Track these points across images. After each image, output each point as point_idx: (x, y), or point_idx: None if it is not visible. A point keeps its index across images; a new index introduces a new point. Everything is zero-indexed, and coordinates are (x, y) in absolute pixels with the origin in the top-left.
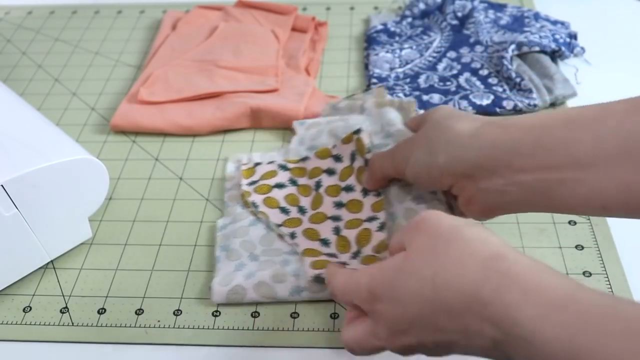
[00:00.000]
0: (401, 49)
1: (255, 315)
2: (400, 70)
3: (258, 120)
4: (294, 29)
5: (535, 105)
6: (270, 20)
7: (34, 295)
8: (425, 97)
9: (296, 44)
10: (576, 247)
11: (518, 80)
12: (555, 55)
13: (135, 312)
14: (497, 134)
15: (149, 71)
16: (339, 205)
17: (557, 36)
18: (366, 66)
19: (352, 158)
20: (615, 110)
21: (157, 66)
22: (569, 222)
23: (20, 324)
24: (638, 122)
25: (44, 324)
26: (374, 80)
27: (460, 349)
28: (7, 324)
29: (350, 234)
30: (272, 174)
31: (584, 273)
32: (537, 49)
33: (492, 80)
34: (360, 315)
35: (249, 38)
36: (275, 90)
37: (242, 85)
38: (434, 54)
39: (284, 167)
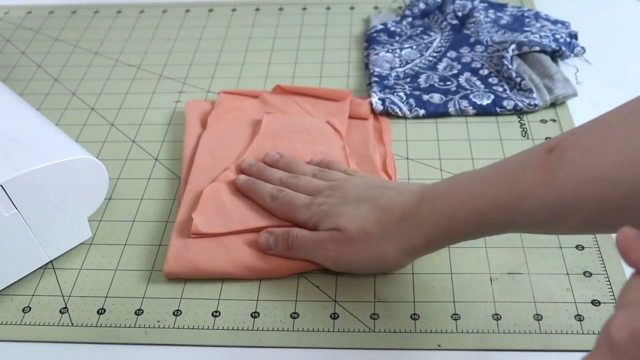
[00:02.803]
0: (401, 49)
1: (255, 315)
2: (400, 69)
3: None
4: (349, 117)
5: (535, 105)
6: (321, 108)
7: (33, 295)
8: (425, 97)
9: (359, 136)
10: (576, 247)
11: (518, 80)
12: (555, 55)
13: (135, 313)
14: (441, 223)
15: (193, 188)
16: None
17: (558, 36)
18: (366, 66)
19: None
20: (533, 184)
21: (200, 180)
22: None
23: (20, 324)
24: (558, 194)
25: (44, 324)
26: (375, 79)
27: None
28: (6, 324)
29: None
30: None
31: (584, 273)
32: (537, 48)
33: (493, 80)
34: None
35: (303, 135)
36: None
37: None
38: (434, 54)
39: None
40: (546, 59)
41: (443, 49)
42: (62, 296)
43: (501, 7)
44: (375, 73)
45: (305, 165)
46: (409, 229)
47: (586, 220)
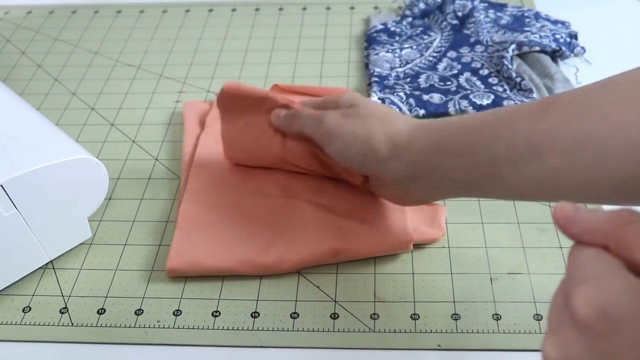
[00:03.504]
0: (401, 49)
1: (255, 315)
2: (400, 69)
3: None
4: None
5: None
6: None
7: (33, 295)
8: (425, 97)
9: None
10: None
11: (518, 80)
12: (555, 55)
13: (135, 313)
14: (431, 136)
15: (194, 187)
16: None
17: (558, 36)
18: (366, 66)
19: None
20: (525, 114)
21: (200, 180)
22: None
23: (20, 324)
24: (546, 125)
25: (44, 324)
26: (375, 79)
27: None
28: (6, 324)
29: None
30: None
31: None
32: (537, 48)
33: (493, 80)
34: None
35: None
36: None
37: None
38: (434, 54)
39: None
40: (546, 59)
41: (443, 49)
42: (62, 296)
43: (501, 7)
44: (375, 73)
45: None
46: (397, 134)
47: (564, 162)
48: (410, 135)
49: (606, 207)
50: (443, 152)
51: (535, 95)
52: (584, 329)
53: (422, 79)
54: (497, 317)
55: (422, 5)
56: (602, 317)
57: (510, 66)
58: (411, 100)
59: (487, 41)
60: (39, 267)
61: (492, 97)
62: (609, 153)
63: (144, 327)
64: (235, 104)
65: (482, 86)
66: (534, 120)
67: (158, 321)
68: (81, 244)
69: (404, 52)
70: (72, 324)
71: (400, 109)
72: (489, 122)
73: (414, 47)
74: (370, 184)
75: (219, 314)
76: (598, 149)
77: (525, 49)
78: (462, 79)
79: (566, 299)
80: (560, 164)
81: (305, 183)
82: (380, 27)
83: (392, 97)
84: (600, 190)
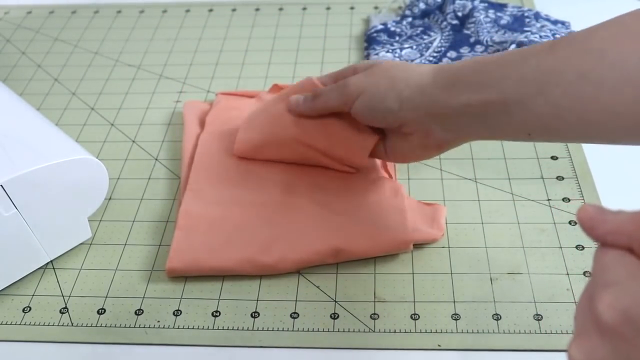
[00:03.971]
0: (401, 49)
1: (255, 315)
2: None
3: (352, 253)
4: None
5: None
6: None
7: (33, 295)
8: None
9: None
10: (576, 247)
11: None
12: None
13: (135, 313)
14: (447, 75)
15: (194, 187)
16: None
17: (558, 36)
18: None
19: None
20: (537, 51)
21: (200, 180)
22: (569, 222)
23: (20, 324)
24: (553, 59)
25: (44, 324)
26: None
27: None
28: (6, 324)
29: None
30: None
31: (584, 273)
32: None
33: None
34: None
35: None
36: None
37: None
38: (434, 54)
39: None
40: None
41: (443, 49)
42: (62, 296)
43: (501, 7)
44: None
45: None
46: (419, 77)
47: (566, 93)
48: (430, 73)
49: (630, 209)
50: (459, 88)
51: None
52: (609, 333)
53: None
54: (497, 317)
55: (422, 5)
56: (626, 321)
57: None
58: None
59: (487, 41)
60: (39, 267)
61: None
62: (607, 86)
63: (144, 327)
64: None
65: None
66: (543, 55)
67: (158, 321)
68: (81, 244)
69: (404, 52)
70: (72, 324)
71: None
72: (503, 59)
73: (414, 47)
74: (389, 143)
75: (219, 314)
76: (597, 82)
77: None
78: None
79: (591, 303)
80: (562, 97)
81: (306, 183)
82: (380, 27)
83: None
84: (600, 124)
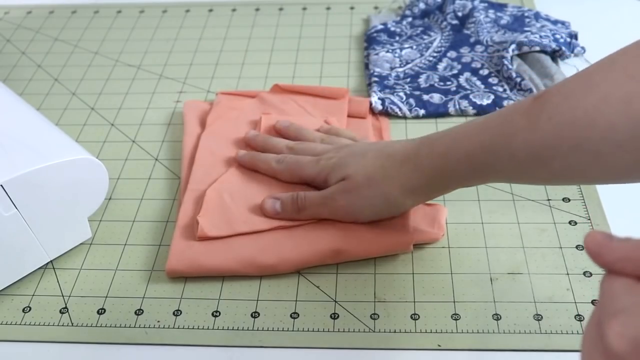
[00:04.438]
0: (401, 49)
1: (255, 315)
2: (400, 69)
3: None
4: (347, 116)
5: None
6: (320, 107)
7: (33, 295)
8: (425, 97)
9: (358, 135)
10: (576, 247)
11: (518, 80)
12: (555, 55)
13: (135, 313)
14: (437, 165)
15: (194, 187)
16: None
17: (558, 36)
18: (366, 66)
19: None
20: (518, 127)
21: (201, 180)
22: (569, 222)
23: (20, 324)
24: (539, 133)
25: (44, 324)
26: (375, 79)
27: None
28: (6, 324)
29: None
30: None
31: (584, 273)
32: (537, 48)
33: (493, 80)
34: None
35: None
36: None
37: None
38: (434, 54)
39: None
40: (546, 59)
41: (443, 49)
42: (62, 296)
43: (501, 7)
44: (375, 73)
45: (314, 132)
46: (408, 170)
47: (566, 164)
48: (414, 172)
49: (631, 208)
50: (449, 182)
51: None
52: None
53: (422, 79)
54: (497, 317)
55: (422, 5)
56: (636, 350)
57: (510, 66)
58: (411, 100)
59: (487, 41)
60: (39, 267)
61: (492, 97)
62: (604, 152)
63: (144, 327)
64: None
65: (482, 86)
66: (526, 132)
67: (158, 321)
68: (81, 244)
69: (404, 52)
70: (72, 324)
71: (400, 109)
72: (485, 143)
73: (414, 47)
74: None
75: (219, 314)
76: (594, 151)
77: (525, 49)
78: (462, 79)
79: (599, 331)
80: (563, 167)
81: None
82: (380, 27)
83: (392, 97)
84: (607, 179)
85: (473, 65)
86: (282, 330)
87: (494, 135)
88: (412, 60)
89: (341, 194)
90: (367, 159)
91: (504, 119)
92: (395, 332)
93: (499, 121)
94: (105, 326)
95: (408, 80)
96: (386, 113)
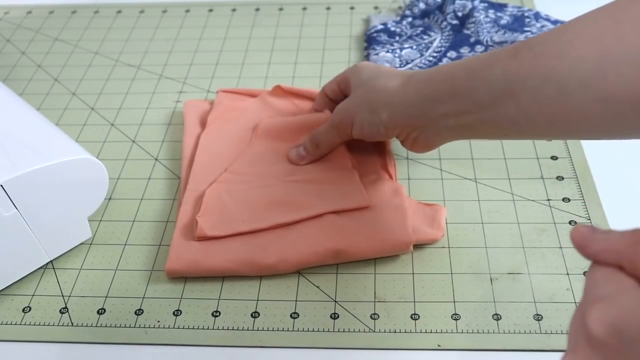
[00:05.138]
0: (401, 49)
1: (255, 315)
2: (400, 69)
3: (354, 253)
4: None
5: None
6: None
7: (33, 295)
8: None
9: None
10: None
11: None
12: None
13: (135, 313)
14: (420, 87)
15: (194, 187)
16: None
17: None
18: None
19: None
20: (501, 57)
21: (200, 180)
22: (570, 222)
23: (20, 324)
24: (516, 63)
25: (44, 324)
26: None
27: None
28: (6, 324)
29: None
30: None
31: (584, 273)
32: None
33: None
34: None
35: (305, 133)
36: (365, 207)
37: (320, 206)
38: (434, 54)
39: None
40: None
41: (443, 49)
42: (62, 296)
43: (501, 7)
44: None
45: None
46: (396, 85)
47: (532, 99)
48: (402, 89)
49: (630, 209)
50: (433, 101)
51: None
52: (599, 346)
53: None
54: (497, 317)
55: (422, 5)
56: (614, 334)
57: None
58: None
59: (487, 41)
60: (39, 267)
61: None
62: (569, 88)
63: (144, 327)
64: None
65: None
66: (507, 61)
67: (158, 321)
68: (81, 244)
69: (404, 52)
70: (72, 324)
71: None
72: (470, 68)
73: (414, 47)
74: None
75: (219, 314)
76: (560, 85)
77: None
78: None
79: (582, 318)
80: (530, 101)
81: (306, 185)
82: (380, 27)
83: None
84: (569, 124)
85: None
86: (282, 330)
87: (480, 62)
88: (412, 60)
89: (343, 109)
90: (371, 75)
91: (494, 51)
92: (395, 332)
93: (489, 53)
94: (105, 326)
95: None
96: None
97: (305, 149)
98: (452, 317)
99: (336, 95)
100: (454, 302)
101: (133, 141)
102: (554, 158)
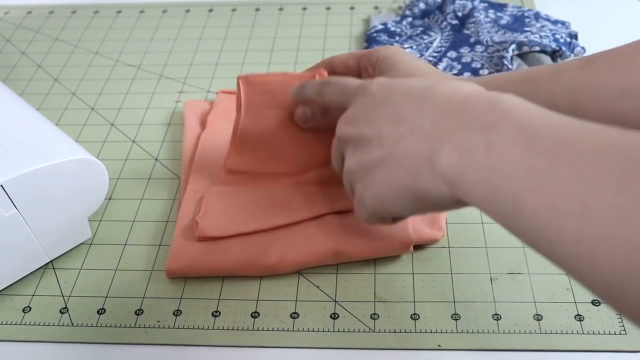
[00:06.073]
0: None
1: (255, 315)
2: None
3: (355, 253)
4: None
5: None
6: None
7: (33, 295)
8: None
9: None
10: None
11: None
12: (555, 55)
13: (135, 313)
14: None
15: (194, 188)
16: None
17: (558, 36)
18: None
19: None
20: (570, 67)
21: (200, 180)
22: None
23: (20, 324)
24: (588, 73)
25: (44, 324)
26: None
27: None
28: (6, 324)
29: None
30: None
31: None
32: (537, 48)
33: None
34: None
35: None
36: None
37: (320, 207)
38: (434, 54)
39: None
40: (546, 59)
41: (443, 49)
42: (62, 296)
43: (501, 7)
44: None
45: None
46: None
47: (602, 111)
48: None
49: None
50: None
51: None
52: (343, 142)
53: None
54: (497, 317)
55: (422, 5)
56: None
57: (510, 66)
58: None
59: (487, 41)
60: (39, 267)
61: None
62: None
63: (144, 327)
64: (258, 94)
65: None
66: (577, 71)
67: (158, 321)
68: (81, 244)
69: None
70: (72, 324)
71: None
72: (532, 75)
73: (414, 47)
74: None
75: (219, 314)
76: (637, 101)
77: (526, 49)
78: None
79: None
80: (601, 114)
81: (306, 184)
82: (380, 27)
83: None
84: None
85: (473, 65)
86: (282, 330)
87: (547, 67)
88: None
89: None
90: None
91: (558, 63)
92: (395, 332)
93: (559, 62)
94: (105, 326)
95: None
96: None
97: (313, 113)
98: (452, 317)
99: (349, 71)
100: (454, 302)
101: (133, 141)
102: None
